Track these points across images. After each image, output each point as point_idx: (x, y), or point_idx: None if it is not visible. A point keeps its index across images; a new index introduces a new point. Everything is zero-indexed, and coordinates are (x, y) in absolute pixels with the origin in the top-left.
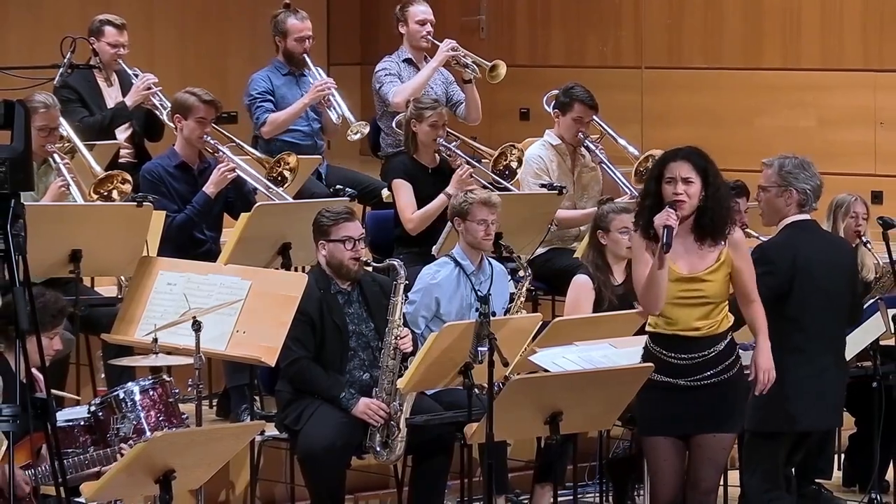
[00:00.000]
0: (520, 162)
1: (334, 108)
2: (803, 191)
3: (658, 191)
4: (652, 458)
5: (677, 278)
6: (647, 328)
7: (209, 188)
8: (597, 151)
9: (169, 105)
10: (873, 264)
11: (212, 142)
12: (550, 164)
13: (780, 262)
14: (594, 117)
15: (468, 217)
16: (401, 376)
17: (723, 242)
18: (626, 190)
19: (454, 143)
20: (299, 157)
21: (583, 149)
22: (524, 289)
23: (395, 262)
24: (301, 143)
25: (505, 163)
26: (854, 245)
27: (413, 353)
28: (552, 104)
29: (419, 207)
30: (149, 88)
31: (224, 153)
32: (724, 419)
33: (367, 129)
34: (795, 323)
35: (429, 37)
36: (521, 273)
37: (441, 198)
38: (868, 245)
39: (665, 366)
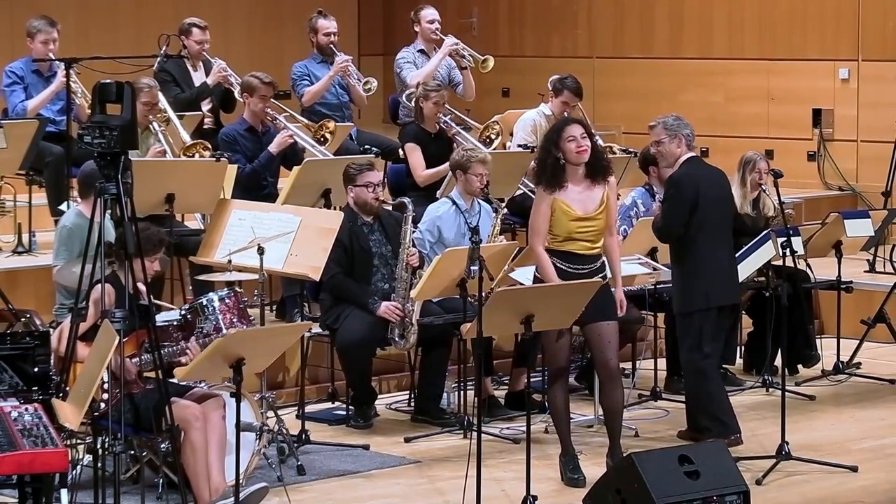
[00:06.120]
0: (498, 135)
1: (353, 75)
2: (686, 135)
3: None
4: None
5: (575, 218)
6: (547, 246)
7: (272, 148)
8: None
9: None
10: (772, 205)
11: (271, 113)
12: (540, 127)
13: (688, 186)
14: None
15: (469, 171)
16: (412, 285)
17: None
18: None
19: (449, 115)
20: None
21: None
22: (499, 219)
23: (405, 200)
24: (331, 113)
25: (487, 134)
26: (757, 193)
27: (420, 267)
28: (551, 85)
29: (425, 162)
30: (223, 71)
31: (281, 121)
32: (610, 311)
33: (375, 82)
34: (700, 228)
35: (437, 32)
36: (497, 208)
37: (445, 165)
38: (766, 192)
39: (563, 274)
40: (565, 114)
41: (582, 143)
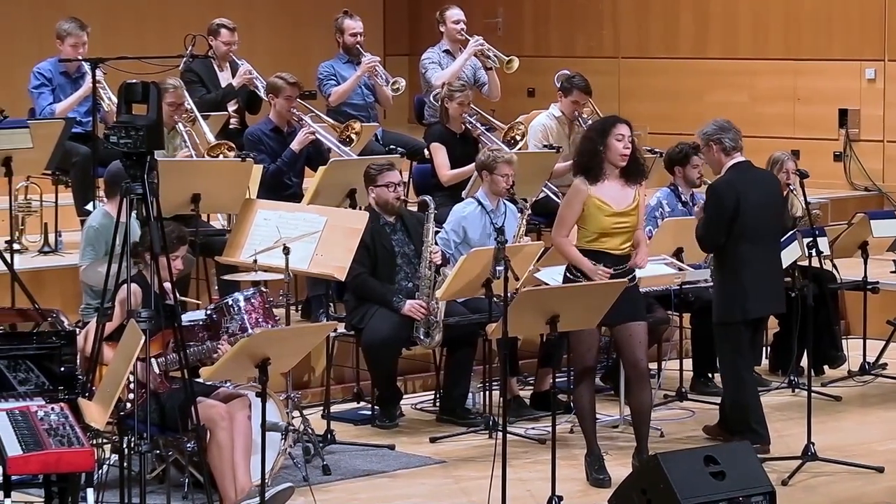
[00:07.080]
0: (523, 135)
1: (381, 76)
2: (720, 141)
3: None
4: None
5: (611, 213)
6: (577, 245)
7: (294, 146)
8: (584, 125)
9: (265, 84)
10: (799, 206)
11: (297, 113)
12: (551, 130)
13: (727, 195)
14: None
15: (495, 171)
16: (436, 283)
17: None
18: None
19: (474, 115)
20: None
21: (577, 121)
22: (524, 220)
23: (427, 198)
24: (357, 113)
25: (512, 134)
26: (785, 193)
27: (444, 265)
28: (559, 84)
29: (450, 163)
30: (249, 73)
31: (306, 121)
32: (640, 312)
33: (403, 82)
34: (742, 236)
35: (463, 32)
36: (523, 208)
37: (470, 166)
38: (794, 192)
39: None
40: (575, 113)
41: (629, 145)
